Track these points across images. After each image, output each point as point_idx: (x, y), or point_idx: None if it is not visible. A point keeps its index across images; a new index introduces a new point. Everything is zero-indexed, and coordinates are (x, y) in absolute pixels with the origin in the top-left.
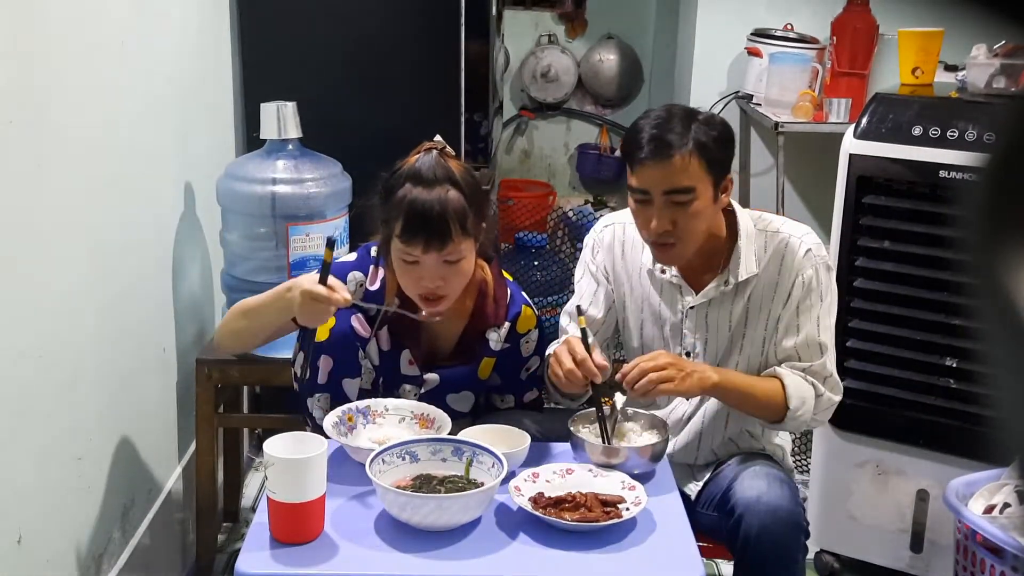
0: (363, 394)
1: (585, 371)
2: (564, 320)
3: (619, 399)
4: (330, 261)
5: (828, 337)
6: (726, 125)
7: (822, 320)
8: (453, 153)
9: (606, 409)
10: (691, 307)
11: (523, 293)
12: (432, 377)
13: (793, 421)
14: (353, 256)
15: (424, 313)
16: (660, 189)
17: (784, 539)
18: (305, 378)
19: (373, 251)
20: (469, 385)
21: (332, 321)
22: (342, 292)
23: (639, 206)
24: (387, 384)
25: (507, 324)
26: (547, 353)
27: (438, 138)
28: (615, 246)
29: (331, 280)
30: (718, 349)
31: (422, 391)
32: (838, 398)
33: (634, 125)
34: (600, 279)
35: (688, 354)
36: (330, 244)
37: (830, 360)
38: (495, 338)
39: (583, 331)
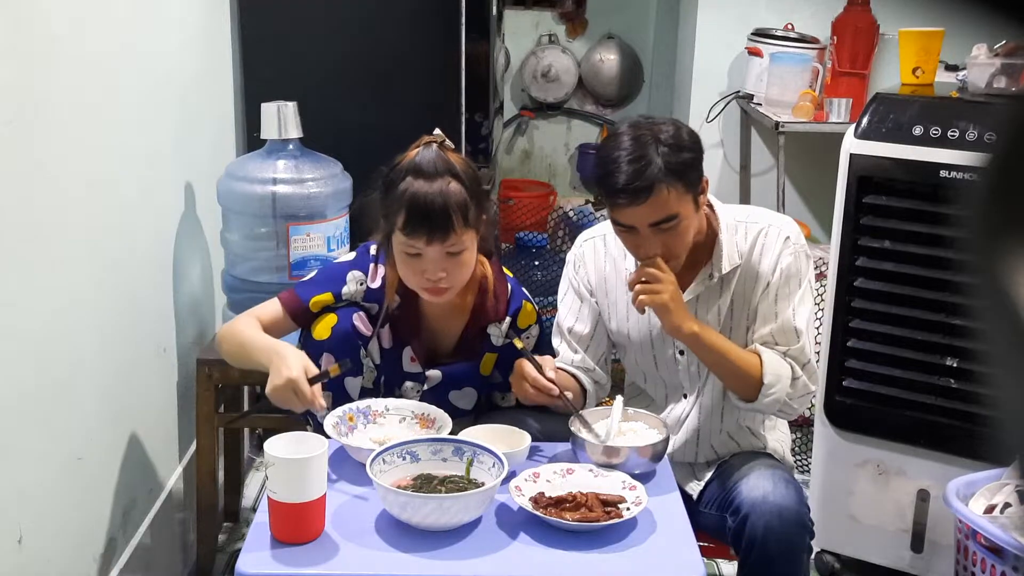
0: (365, 393)
1: (542, 389)
2: (556, 340)
3: (619, 399)
4: (335, 376)
5: (803, 324)
6: (692, 136)
7: (798, 307)
8: (452, 146)
9: (602, 409)
10: None
11: (523, 289)
12: (434, 374)
13: (766, 398)
14: (352, 255)
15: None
16: (644, 223)
17: (789, 539)
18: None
19: (372, 249)
20: (471, 382)
21: (335, 319)
22: (318, 400)
23: (625, 235)
24: (389, 382)
25: (508, 319)
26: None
27: (437, 131)
28: (597, 260)
29: (317, 388)
30: None
31: (424, 388)
32: (815, 387)
33: (605, 158)
34: (584, 295)
35: (682, 352)
36: (343, 364)
37: (808, 346)
38: (496, 333)
39: (523, 351)
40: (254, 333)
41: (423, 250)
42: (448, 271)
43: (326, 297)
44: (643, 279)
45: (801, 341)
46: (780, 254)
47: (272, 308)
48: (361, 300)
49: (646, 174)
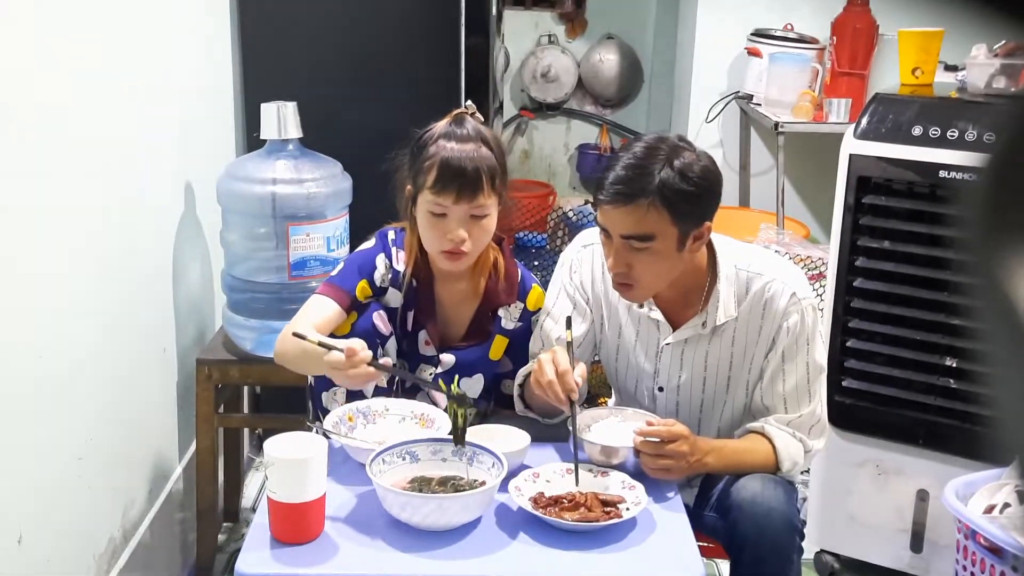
0: (379, 391)
1: (564, 385)
2: (536, 345)
3: (612, 400)
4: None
5: (817, 381)
6: (707, 174)
7: (811, 365)
8: (482, 119)
9: (600, 409)
10: (667, 343)
11: (532, 274)
12: (448, 358)
13: (781, 475)
14: (372, 242)
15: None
16: (618, 232)
17: (778, 540)
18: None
19: (391, 234)
20: (481, 367)
21: (354, 316)
22: (359, 355)
23: (604, 238)
24: (406, 365)
25: (520, 303)
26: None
27: (469, 103)
28: (595, 268)
29: (346, 343)
30: (692, 388)
31: (439, 371)
32: (823, 444)
33: (614, 154)
34: (577, 300)
35: (661, 389)
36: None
37: (820, 404)
38: (507, 316)
39: (569, 344)
40: (312, 338)
41: (449, 209)
42: (470, 234)
43: (364, 284)
44: (658, 451)
45: (812, 403)
46: (786, 313)
47: (324, 308)
48: (390, 283)
49: (640, 179)
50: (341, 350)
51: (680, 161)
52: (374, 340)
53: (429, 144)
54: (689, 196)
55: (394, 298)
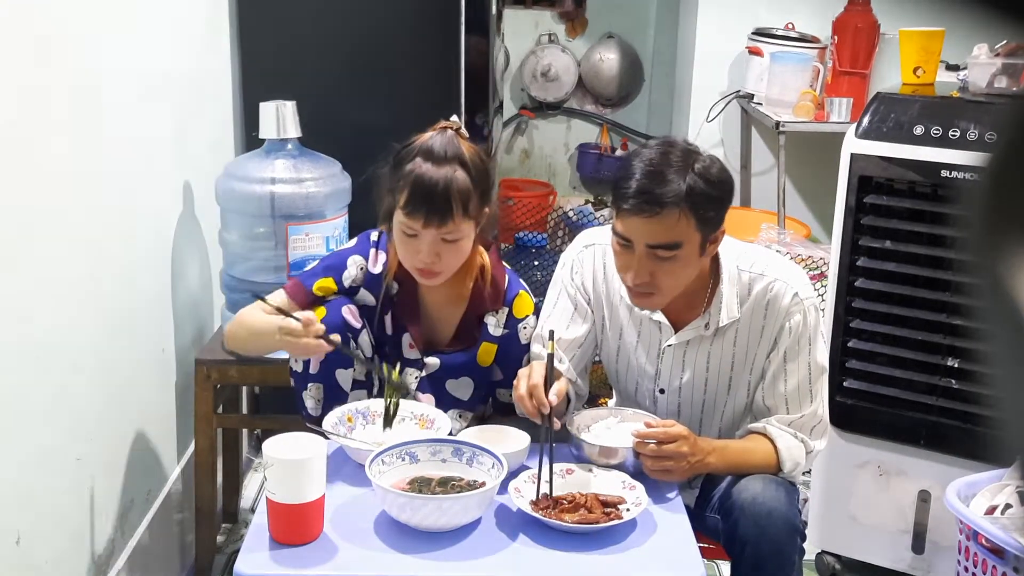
0: (356, 385)
1: (535, 400)
2: (536, 347)
3: (612, 400)
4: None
5: (819, 381)
6: (724, 174)
7: (813, 365)
8: (467, 135)
9: (600, 409)
10: (669, 345)
11: (521, 280)
12: (433, 361)
13: (783, 476)
14: (353, 241)
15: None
16: (644, 242)
17: (779, 541)
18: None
19: (373, 236)
20: (468, 372)
21: (323, 311)
22: (314, 326)
23: (621, 249)
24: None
25: (505, 309)
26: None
27: (454, 118)
28: (596, 269)
29: (302, 314)
30: (693, 389)
31: (423, 374)
32: (824, 445)
33: (627, 162)
34: (579, 301)
35: (663, 390)
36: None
37: (822, 404)
38: (493, 323)
39: (550, 356)
40: (261, 317)
41: (419, 232)
42: (441, 255)
43: (327, 282)
44: (657, 453)
45: (814, 404)
46: (788, 313)
47: (277, 298)
48: (362, 285)
49: (664, 186)
50: (299, 319)
51: (700, 165)
52: (344, 334)
53: (407, 161)
54: (714, 200)
55: (367, 299)
